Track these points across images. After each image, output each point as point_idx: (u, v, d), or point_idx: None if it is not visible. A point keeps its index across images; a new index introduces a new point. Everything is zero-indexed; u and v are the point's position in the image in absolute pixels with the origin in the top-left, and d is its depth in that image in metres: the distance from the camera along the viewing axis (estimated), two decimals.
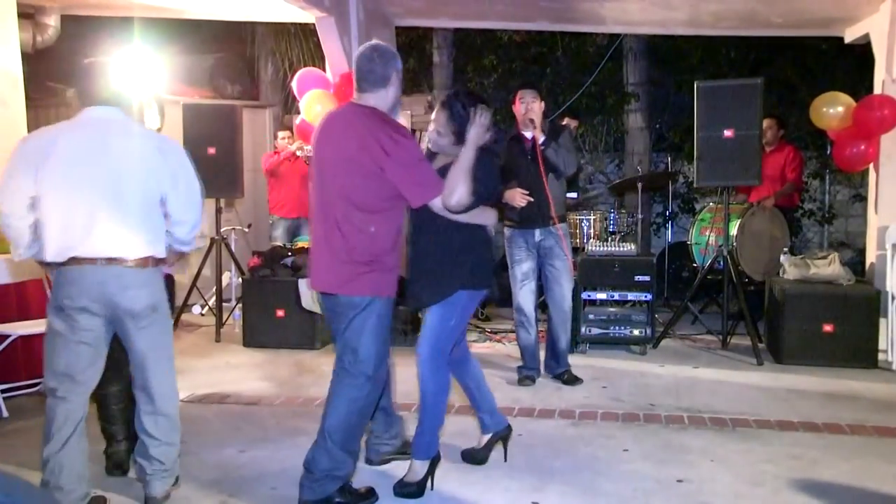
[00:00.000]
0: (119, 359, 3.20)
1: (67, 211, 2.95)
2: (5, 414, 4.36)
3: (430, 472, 3.33)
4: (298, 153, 7.07)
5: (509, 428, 3.70)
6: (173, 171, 3.08)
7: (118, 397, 3.50)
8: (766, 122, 6.62)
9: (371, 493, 3.25)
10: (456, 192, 3.04)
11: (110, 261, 2.95)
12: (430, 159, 3.36)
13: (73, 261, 2.95)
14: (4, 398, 4.41)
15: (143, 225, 3.02)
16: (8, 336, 4.43)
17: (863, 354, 5.37)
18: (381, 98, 3.13)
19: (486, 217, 3.32)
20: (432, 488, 3.34)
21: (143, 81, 6.61)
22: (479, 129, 3.12)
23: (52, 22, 6.69)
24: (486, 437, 3.66)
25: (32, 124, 6.14)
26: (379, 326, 3.16)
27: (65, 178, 2.94)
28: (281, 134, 7.30)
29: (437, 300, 3.28)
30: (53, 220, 2.96)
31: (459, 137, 3.19)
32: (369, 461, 3.63)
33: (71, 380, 3.00)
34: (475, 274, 3.31)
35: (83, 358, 3.02)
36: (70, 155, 2.95)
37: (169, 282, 3.51)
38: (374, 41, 3.21)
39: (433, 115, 3.38)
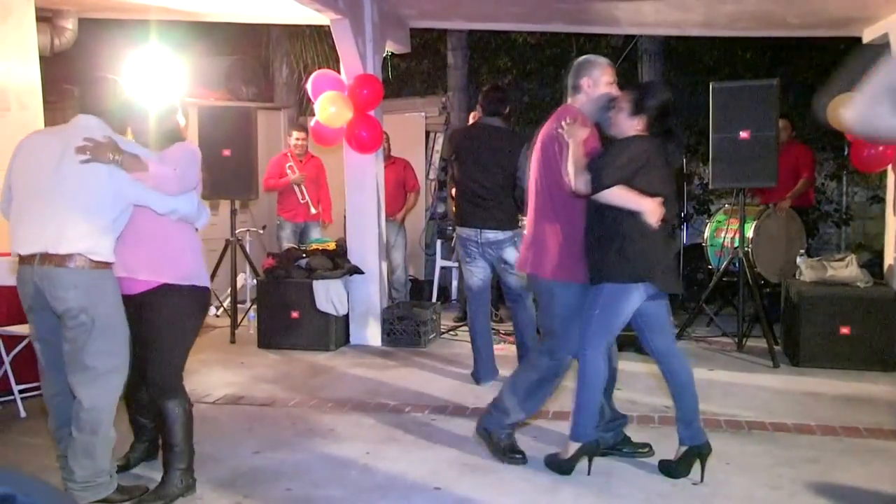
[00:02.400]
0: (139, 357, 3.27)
1: (18, 208, 3.09)
2: (23, 414, 4.40)
3: (580, 455, 3.45)
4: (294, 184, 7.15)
5: (708, 446, 3.50)
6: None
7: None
8: (780, 123, 6.58)
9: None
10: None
11: (43, 259, 2.99)
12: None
13: (19, 259, 3.07)
14: (22, 398, 4.45)
15: (78, 226, 3.00)
16: (25, 337, 4.46)
17: (880, 357, 5.32)
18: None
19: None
20: (588, 473, 3.44)
21: (165, 84, 6.68)
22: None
23: (70, 25, 6.75)
24: (682, 450, 3.50)
25: (49, 126, 6.22)
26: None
27: (20, 176, 3.10)
28: (296, 134, 7.27)
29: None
30: (12, 216, 3.13)
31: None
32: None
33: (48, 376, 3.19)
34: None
35: (45, 355, 3.19)
36: (30, 156, 3.12)
37: (202, 295, 3.38)
38: None
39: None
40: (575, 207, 3.46)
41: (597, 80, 3.54)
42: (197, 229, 3.40)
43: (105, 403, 3.09)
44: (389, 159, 6.99)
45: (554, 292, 3.57)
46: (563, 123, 3.40)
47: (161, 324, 3.20)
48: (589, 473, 3.45)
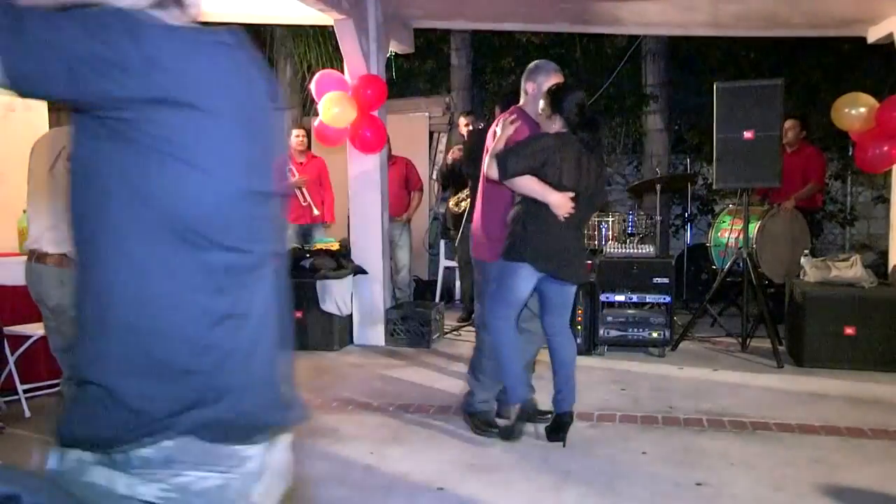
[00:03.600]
0: None
1: (29, 207, 3.33)
2: (28, 413, 4.40)
3: (521, 417, 3.82)
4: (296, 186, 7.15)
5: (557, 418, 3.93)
6: None
7: None
8: (788, 123, 6.57)
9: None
10: None
11: (39, 258, 3.21)
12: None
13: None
14: (27, 398, 4.46)
15: (63, 228, 3.11)
16: (30, 337, 4.48)
17: (885, 358, 5.30)
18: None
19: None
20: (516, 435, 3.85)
21: None
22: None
23: None
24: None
25: (54, 126, 6.22)
26: None
27: (30, 175, 3.32)
28: (295, 132, 7.25)
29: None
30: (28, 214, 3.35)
31: None
32: None
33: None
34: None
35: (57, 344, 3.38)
36: (36, 155, 3.32)
37: None
38: None
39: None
40: (500, 194, 3.83)
41: (540, 85, 3.84)
42: None
43: None
44: (391, 159, 6.99)
45: (481, 269, 4.07)
46: (502, 121, 3.81)
47: None
48: (516, 435, 3.85)
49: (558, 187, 3.61)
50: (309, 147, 7.31)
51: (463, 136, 6.52)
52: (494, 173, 3.63)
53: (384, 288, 6.36)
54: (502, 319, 3.78)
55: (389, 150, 7.01)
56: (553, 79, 3.85)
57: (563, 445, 3.81)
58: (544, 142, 3.64)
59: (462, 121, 7.04)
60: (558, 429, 3.87)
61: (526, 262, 3.67)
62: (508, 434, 3.87)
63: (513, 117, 3.81)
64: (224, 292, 1.19)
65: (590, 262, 6.05)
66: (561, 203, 3.62)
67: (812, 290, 5.49)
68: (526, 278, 3.70)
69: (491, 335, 3.84)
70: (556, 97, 3.69)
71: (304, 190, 7.19)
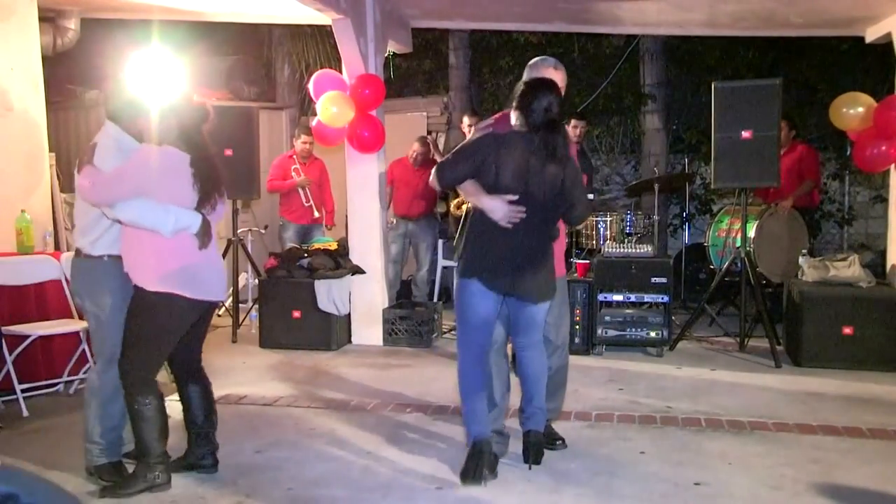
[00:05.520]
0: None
1: None
2: (26, 413, 4.40)
3: (473, 455, 3.38)
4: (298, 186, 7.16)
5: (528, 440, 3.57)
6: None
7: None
8: None
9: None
10: None
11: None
12: None
13: None
14: (24, 398, 4.45)
15: (79, 221, 3.43)
16: (28, 336, 4.47)
17: (883, 357, 5.31)
18: None
19: None
20: (481, 478, 3.32)
21: (165, 83, 6.68)
22: None
23: (73, 25, 6.75)
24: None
25: (52, 127, 6.23)
26: None
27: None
28: (303, 137, 7.20)
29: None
30: None
31: None
32: None
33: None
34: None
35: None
36: None
37: (147, 297, 3.31)
38: None
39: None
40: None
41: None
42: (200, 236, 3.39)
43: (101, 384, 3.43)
44: (418, 162, 7.17)
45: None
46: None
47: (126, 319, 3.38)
48: (481, 479, 3.32)
49: (495, 189, 3.29)
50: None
51: (464, 135, 6.52)
52: (434, 182, 3.44)
53: (382, 287, 6.35)
54: (463, 345, 3.47)
55: (421, 153, 7.15)
56: (543, 73, 3.58)
57: (529, 468, 3.49)
58: (481, 141, 3.37)
59: (465, 120, 7.04)
60: (526, 449, 3.55)
61: (473, 278, 3.37)
62: (463, 475, 3.36)
63: (488, 122, 3.59)
64: None
65: (587, 261, 6.06)
66: (495, 207, 3.29)
67: (810, 289, 5.50)
68: (480, 296, 3.37)
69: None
70: (525, 94, 3.35)
71: (308, 190, 7.19)
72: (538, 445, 3.55)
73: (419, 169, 7.13)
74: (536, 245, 3.40)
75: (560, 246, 3.79)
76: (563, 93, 3.54)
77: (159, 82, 6.59)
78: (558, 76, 3.63)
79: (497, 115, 3.65)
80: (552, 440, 3.78)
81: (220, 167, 3.47)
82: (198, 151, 3.30)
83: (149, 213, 3.18)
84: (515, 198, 3.27)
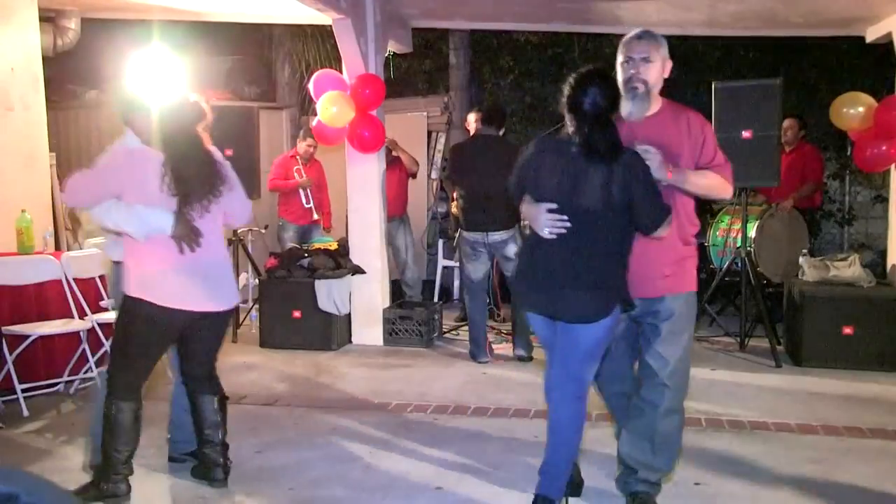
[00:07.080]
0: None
1: None
2: (26, 413, 4.40)
3: None
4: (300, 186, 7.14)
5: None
6: None
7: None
8: (786, 123, 6.57)
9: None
10: None
11: None
12: None
13: None
14: (25, 397, 4.45)
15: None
16: (28, 336, 4.48)
17: (884, 357, 5.30)
18: None
19: None
20: None
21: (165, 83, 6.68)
22: None
23: (73, 25, 6.75)
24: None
25: (52, 127, 6.22)
26: None
27: None
28: (309, 140, 7.18)
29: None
30: None
31: None
32: None
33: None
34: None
35: None
36: None
37: (132, 304, 3.20)
38: None
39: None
40: None
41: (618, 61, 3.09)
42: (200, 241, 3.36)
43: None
44: (392, 159, 6.99)
45: None
46: None
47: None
48: None
49: (537, 197, 2.94)
50: None
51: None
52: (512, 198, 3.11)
53: (382, 287, 6.35)
54: (546, 377, 2.99)
55: (389, 151, 6.98)
56: (622, 51, 3.08)
57: None
58: (528, 147, 3.08)
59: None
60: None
61: (527, 307, 3.04)
62: None
63: None
64: None
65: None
66: (532, 216, 2.94)
67: (810, 289, 5.50)
68: (540, 323, 2.99)
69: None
70: (567, 92, 2.96)
71: (309, 191, 7.18)
72: None
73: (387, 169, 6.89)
74: (588, 261, 2.83)
75: (679, 251, 3.24)
76: (664, 71, 3.11)
77: (157, 82, 6.61)
78: (642, 49, 3.01)
79: None
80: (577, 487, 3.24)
81: (214, 168, 3.31)
82: (175, 150, 3.12)
83: (114, 214, 3.10)
84: (555, 206, 2.85)
